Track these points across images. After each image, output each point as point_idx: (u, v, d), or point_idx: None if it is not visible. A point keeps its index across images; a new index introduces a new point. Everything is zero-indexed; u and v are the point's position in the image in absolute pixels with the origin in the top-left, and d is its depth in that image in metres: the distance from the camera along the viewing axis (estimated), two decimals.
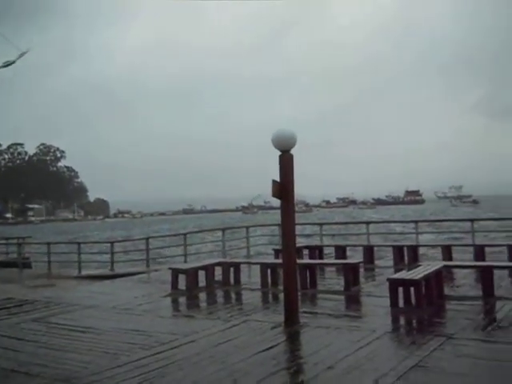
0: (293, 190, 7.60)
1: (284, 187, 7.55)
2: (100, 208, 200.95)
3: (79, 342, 7.18)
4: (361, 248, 15.25)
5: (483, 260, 12.83)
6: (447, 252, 13.56)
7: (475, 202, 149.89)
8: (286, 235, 7.71)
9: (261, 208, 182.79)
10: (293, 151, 7.64)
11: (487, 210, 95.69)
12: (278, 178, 7.61)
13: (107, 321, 8.54)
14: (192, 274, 11.32)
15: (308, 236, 19.87)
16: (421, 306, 8.22)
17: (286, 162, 7.57)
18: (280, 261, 12.69)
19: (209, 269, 11.83)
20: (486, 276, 9.30)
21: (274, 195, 7.58)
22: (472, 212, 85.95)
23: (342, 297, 9.89)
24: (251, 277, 12.77)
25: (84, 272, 16.69)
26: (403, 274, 8.92)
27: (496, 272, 9.70)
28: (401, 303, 8.49)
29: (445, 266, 9.88)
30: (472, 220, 15.46)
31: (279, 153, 7.63)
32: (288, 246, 7.70)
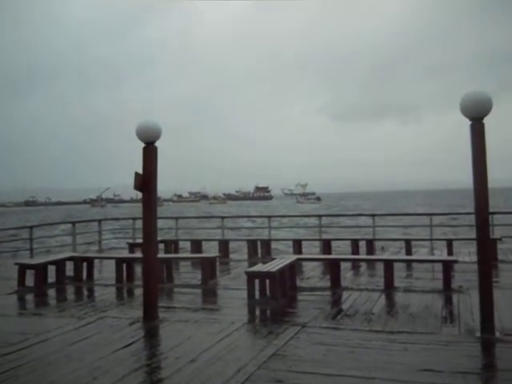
0: (156, 183, 7.48)
1: (147, 180, 7.41)
2: None
3: None
4: (216, 242, 15.49)
5: (330, 253, 13.72)
6: (298, 246, 14.26)
7: (318, 198, 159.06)
8: (147, 228, 7.57)
9: (110, 201, 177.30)
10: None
11: (328, 206, 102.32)
12: (136, 171, 7.44)
13: None
14: (41, 269, 10.65)
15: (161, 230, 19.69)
16: (276, 298, 8.57)
17: (150, 154, 7.42)
18: (135, 255, 12.49)
19: (59, 264, 11.21)
20: (333, 268, 9.95)
21: (136, 188, 7.40)
22: (316, 208, 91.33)
23: (200, 290, 9.96)
24: (105, 272, 12.37)
25: None
26: (260, 267, 9.22)
27: (342, 264, 10.43)
28: (257, 295, 8.77)
29: (297, 259, 10.39)
30: (320, 216, 16.42)
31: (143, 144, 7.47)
32: (149, 240, 7.57)
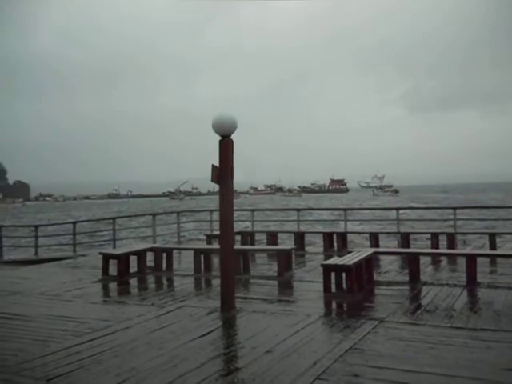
0: (232, 176, 7.56)
1: (223, 173, 7.51)
2: (20, 191, 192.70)
3: (6, 330, 6.88)
4: (291, 234, 15.50)
5: (408, 247, 13.38)
6: (375, 239, 14.01)
7: (396, 191, 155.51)
8: (223, 221, 7.67)
9: (188, 194, 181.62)
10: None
11: (406, 199, 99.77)
12: (211, 164, 7.54)
13: (35, 307, 8.21)
14: (123, 259, 11.07)
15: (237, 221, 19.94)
16: (352, 291, 8.46)
17: (226, 147, 7.51)
18: (213, 246, 12.73)
19: (141, 254, 11.62)
20: (412, 262, 9.69)
21: (214, 180, 7.52)
22: (393, 201, 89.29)
23: (276, 282, 10.01)
24: (183, 263, 12.70)
25: (6, 257, 15.93)
26: (336, 260, 9.13)
27: (421, 258, 10.15)
28: (333, 288, 8.70)
29: (374, 253, 10.20)
30: (397, 209, 16.04)
31: (219, 137, 7.57)
32: (226, 232, 7.67)
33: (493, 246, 13.13)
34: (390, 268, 11.08)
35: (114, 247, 15.59)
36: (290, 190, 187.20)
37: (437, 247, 13.44)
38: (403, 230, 15.21)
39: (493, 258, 11.52)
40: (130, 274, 11.09)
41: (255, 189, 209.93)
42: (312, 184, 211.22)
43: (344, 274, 8.70)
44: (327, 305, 8.07)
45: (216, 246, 12.18)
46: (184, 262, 12.70)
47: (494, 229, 19.46)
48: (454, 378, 4.73)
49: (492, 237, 13.36)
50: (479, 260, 9.82)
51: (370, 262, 9.59)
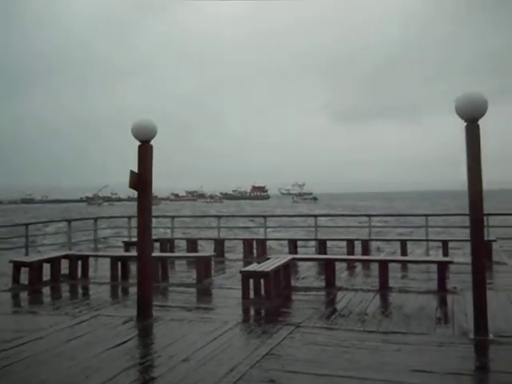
0: (151, 182, 7.47)
1: (142, 179, 7.39)
2: None
3: None
4: (212, 241, 15.48)
5: (325, 253, 13.73)
6: (293, 246, 14.27)
7: (315, 198, 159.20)
8: (141, 227, 7.55)
9: (107, 200, 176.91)
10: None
11: (325, 206, 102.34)
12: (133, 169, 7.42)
13: None
14: (36, 267, 10.62)
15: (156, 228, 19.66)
16: (270, 297, 8.57)
17: (146, 153, 7.41)
18: (131, 253, 12.47)
19: (54, 262, 11.19)
20: (328, 268, 9.95)
21: (132, 186, 7.39)
22: (312, 208, 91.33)
23: (194, 289, 9.96)
24: (100, 270, 12.36)
25: None
26: (255, 267, 9.21)
27: (337, 264, 10.45)
28: (251, 295, 8.77)
29: (292, 259, 10.39)
30: (316, 216, 16.42)
31: (138, 143, 7.46)
32: (144, 239, 7.56)
33: (404, 252, 13.72)
34: (307, 274, 11.31)
35: (27, 254, 14.90)
36: (211, 197, 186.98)
37: (352, 253, 13.87)
38: (321, 236, 15.59)
39: (404, 264, 12.03)
40: (42, 283, 10.64)
41: (176, 195, 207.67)
42: (234, 191, 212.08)
43: (262, 281, 8.79)
44: (245, 311, 8.12)
45: (134, 253, 11.95)
46: (100, 270, 12.36)
47: (410, 235, 20.38)
48: (365, 380, 4.90)
49: (403, 243, 13.95)
50: (391, 266, 10.24)
51: (287, 269, 9.76)
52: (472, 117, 6.40)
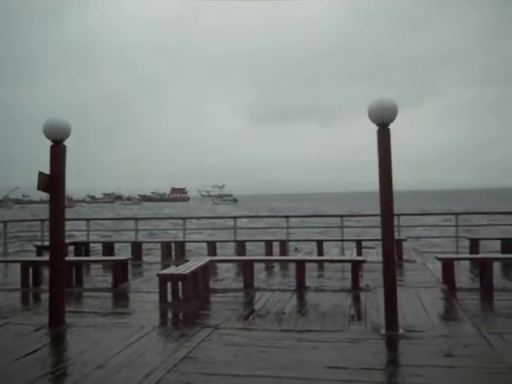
0: (63, 183, 7.19)
1: (54, 180, 7.10)
2: None
3: None
4: (129, 244, 15.17)
5: (244, 254, 13.82)
6: (212, 248, 14.26)
7: (235, 200, 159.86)
8: (54, 231, 7.26)
9: (18, 202, 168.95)
10: None
11: (244, 208, 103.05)
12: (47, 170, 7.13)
13: None
14: None
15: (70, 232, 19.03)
16: (188, 300, 8.50)
17: (58, 154, 7.12)
18: (43, 258, 11.97)
19: None
20: (246, 269, 10.02)
21: (41, 188, 7.08)
22: (232, 210, 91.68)
23: (110, 294, 9.70)
24: (10, 276, 11.79)
25: None
26: (172, 269, 9.11)
27: (255, 265, 10.55)
28: (169, 298, 8.66)
29: (211, 261, 10.37)
30: (235, 217, 16.51)
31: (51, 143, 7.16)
32: (56, 242, 7.27)
33: (320, 252, 14.06)
34: (225, 275, 11.33)
35: None
36: (129, 199, 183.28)
37: (270, 254, 14.06)
38: (240, 238, 15.68)
39: (320, 263, 12.33)
40: None
41: (92, 197, 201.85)
42: (152, 193, 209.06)
43: (180, 283, 8.71)
44: (163, 315, 8.00)
45: (47, 257, 11.48)
46: (10, 276, 11.79)
47: (327, 235, 20.89)
48: (281, 379, 4.96)
49: (320, 243, 14.29)
50: (308, 265, 10.46)
51: (206, 271, 9.73)
52: (383, 121, 6.65)
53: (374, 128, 6.73)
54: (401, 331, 6.50)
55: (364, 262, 10.63)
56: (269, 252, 14.14)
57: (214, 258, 11.75)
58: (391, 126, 6.70)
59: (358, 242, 14.15)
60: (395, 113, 6.62)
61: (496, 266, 10.74)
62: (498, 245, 13.50)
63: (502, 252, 13.04)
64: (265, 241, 14.61)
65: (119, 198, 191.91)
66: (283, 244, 14.32)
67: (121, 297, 9.48)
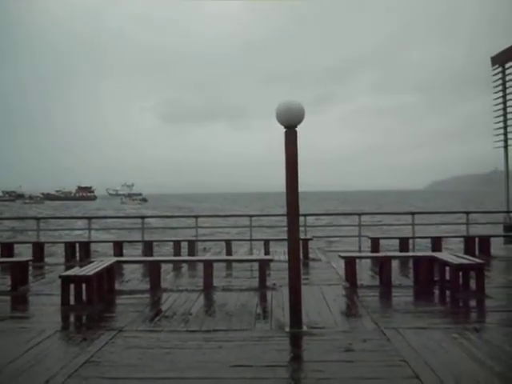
0: None
1: None
2: None
3: None
4: (30, 245, 14.49)
5: (152, 255, 13.63)
6: (119, 248, 13.93)
7: (144, 200, 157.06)
8: None
9: None
10: None
11: (153, 207, 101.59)
12: None
13: None
14: None
15: None
16: (92, 302, 8.25)
17: None
18: None
19: None
20: (153, 270, 9.88)
21: None
22: (140, 209, 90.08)
23: (8, 298, 9.21)
24: None
25: None
26: (76, 271, 8.81)
27: (163, 266, 10.45)
28: (72, 300, 8.36)
29: (117, 262, 10.13)
30: (142, 217, 16.25)
31: None
32: None
33: (229, 252, 14.13)
34: (132, 276, 11.10)
35: None
36: (31, 197, 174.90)
37: (179, 254, 13.95)
38: (148, 238, 15.43)
39: (229, 263, 12.39)
40: None
41: None
42: (57, 191, 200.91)
43: (84, 285, 8.44)
44: (65, 318, 7.71)
45: None
46: None
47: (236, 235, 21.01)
48: (185, 380, 4.95)
49: (228, 243, 14.37)
50: (217, 265, 10.49)
51: (111, 272, 9.50)
52: (290, 123, 6.79)
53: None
54: (304, 328, 6.68)
55: (271, 261, 10.82)
56: (177, 252, 14.03)
57: (120, 258, 11.48)
58: (299, 128, 6.86)
59: (266, 242, 14.36)
60: (302, 115, 6.78)
61: (395, 264, 11.33)
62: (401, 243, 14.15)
63: (401, 250, 13.74)
64: (173, 241, 14.48)
65: (21, 196, 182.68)
66: (192, 244, 14.27)
67: (20, 300, 9.03)
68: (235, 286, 9.81)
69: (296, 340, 6.34)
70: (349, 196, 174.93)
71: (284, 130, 6.85)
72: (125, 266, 12.04)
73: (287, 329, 6.68)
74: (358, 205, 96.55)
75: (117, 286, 9.75)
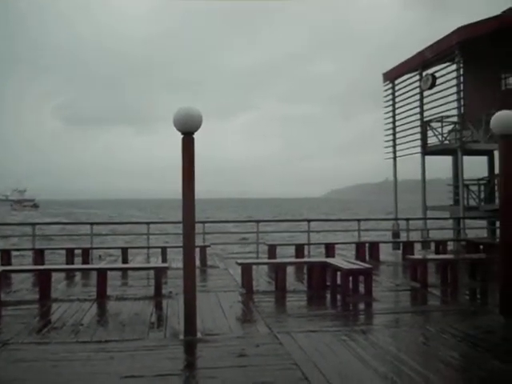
0: None
1: None
2: None
3: None
4: None
5: (43, 263, 13.00)
6: (7, 257, 13.18)
7: (36, 206, 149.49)
8: None
9: None
10: None
11: (46, 214, 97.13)
12: None
13: None
14: None
15: None
16: None
17: None
18: None
19: None
20: (43, 279, 9.44)
21: None
22: (31, 216, 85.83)
23: None
24: None
25: None
26: None
27: (54, 274, 10.01)
28: None
29: (3, 271, 9.58)
30: (33, 224, 15.51)
31: None
32: None
33: (125, 260, 13.82)
34: (20, 287, 10.52)
35: None
36: None
37: (72, 262, 13.46)
38: (39, 246, 14.73)
39: (124, 271, 12.09)
40: None
41: None
42: None
43: None
44: None
45: None
46: None
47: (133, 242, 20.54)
48: None
49: (125, 251, 14.07)
50: (112, 274, 10.22)
51: None
52: (187, 129, 6.77)
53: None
54: (199, 335, 6.66)
55: (168, 268, 10.71)
56: (70, 261, 13.51)
57: (7, 267, 10.87)
58: (200, 135, 6.87)
59: (163, 249, 14.20)
60: (200, 122, 6.78)
61: (291, 270, 11.61)
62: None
63: (296, 256, 14.12)
64: (66, 249, 13.94)
65: None
66: (86, 252, 13.80)
67: None
68: (130, 295, 9.60)
69: (190, 348, 6.31)
70: (249, 203, 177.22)
71: (181, 136, 6.83)
72: (13, 275, 11.39)
73: (181, 337, 6.63)
74: (258, 211, 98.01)
75: (3, 297, 9.20)
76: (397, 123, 23.75)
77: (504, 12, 18.78)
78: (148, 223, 16.32)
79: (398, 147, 23.81)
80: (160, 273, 9.77)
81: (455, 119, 20.63)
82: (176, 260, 13.87)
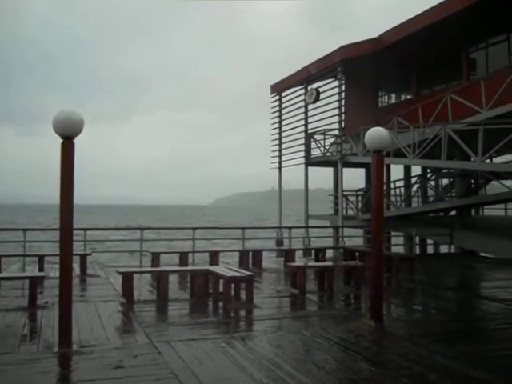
0: None
1: None
2: None
3: None
4: None
5: None
6: None
7: None
8: None
9: None
10: None
11: None
12: None
13: None
14: None
15: None
16: None
17: None
18: None
19: None
20: None
21: None
22: None
23: None
24: None
25: None
26: None
27: None
28: None
29: None
30: None
31: None
32: None
33: None
34: None
35: None
36: None
37: None
38: None
39: None
40: None
41: None
42: None
43: None
44: None
45: None
46: None
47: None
48: None
49: None
50: None
51: None
52: (67, 134, 6.54)
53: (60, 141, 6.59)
54: (74, 347, 6.42)
55: (44, 277, 10.22)
56: None
57: None
58: (82, 140, 6.67)
59: (41, 258, 13.53)
60: (81, 126, 6.59)
61: (174, 278, 11.55)
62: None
63: (181, 264, 14.04)
64: None
65: None
66: None
67: None
68: (1, 306, 9.03)
69: (64, 360, 6.06)
70: (132, 210, 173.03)
71: (61, 140, 6.59)
72: None
73: (56, 349, 6.36)
74: (142, 218, 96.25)
75: None
76: (283, 134, 24.57)
77: (381, 35, 20.04)
78: (25, 230, 15.48)
79: (283, 157, 24.61)
80: (35, 282, 9.29)
81: (337, 132, 21.72)
82: (55, 269, 13.28)
